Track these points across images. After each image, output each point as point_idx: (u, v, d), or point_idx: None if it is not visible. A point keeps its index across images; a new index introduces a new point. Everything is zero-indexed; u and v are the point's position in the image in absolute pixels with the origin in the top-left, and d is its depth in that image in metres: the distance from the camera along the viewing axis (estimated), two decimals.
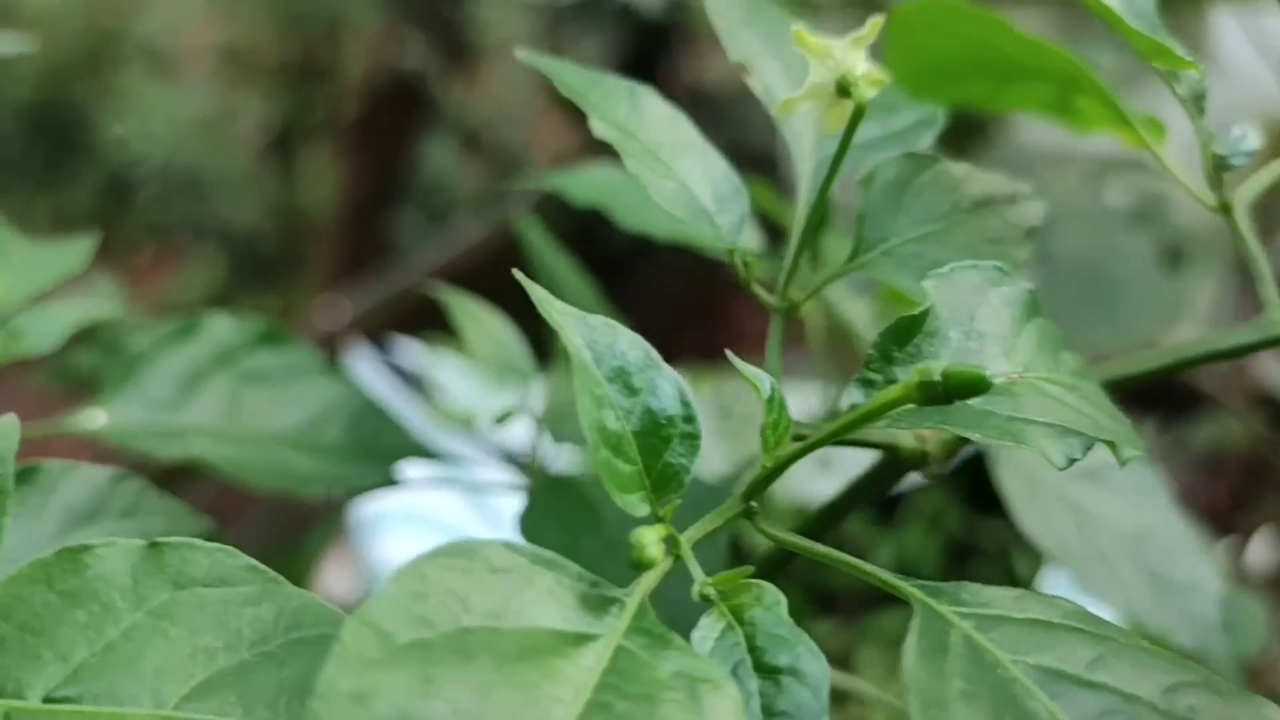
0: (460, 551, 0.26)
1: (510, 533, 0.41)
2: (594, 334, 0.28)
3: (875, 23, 0.34)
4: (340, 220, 1.41)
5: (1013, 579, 0.71)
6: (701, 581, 0.28)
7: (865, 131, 0.38)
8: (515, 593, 0.26)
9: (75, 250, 0.48)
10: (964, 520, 0.89)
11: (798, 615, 0.27)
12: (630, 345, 0.29)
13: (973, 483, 0.92)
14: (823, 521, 0.38)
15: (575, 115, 0.35)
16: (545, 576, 0.26)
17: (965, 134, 0.96)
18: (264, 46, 1.49)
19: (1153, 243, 0.78)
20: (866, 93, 0.34)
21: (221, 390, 0.47)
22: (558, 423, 0.47)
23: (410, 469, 0.48)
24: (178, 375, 0.47)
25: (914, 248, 0.35)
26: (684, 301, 1.19)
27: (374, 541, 0.87)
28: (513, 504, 0.41)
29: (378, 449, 0.48)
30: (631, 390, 0.28)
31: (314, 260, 1.43)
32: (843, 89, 0.34)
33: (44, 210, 1.37)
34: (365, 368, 1.00)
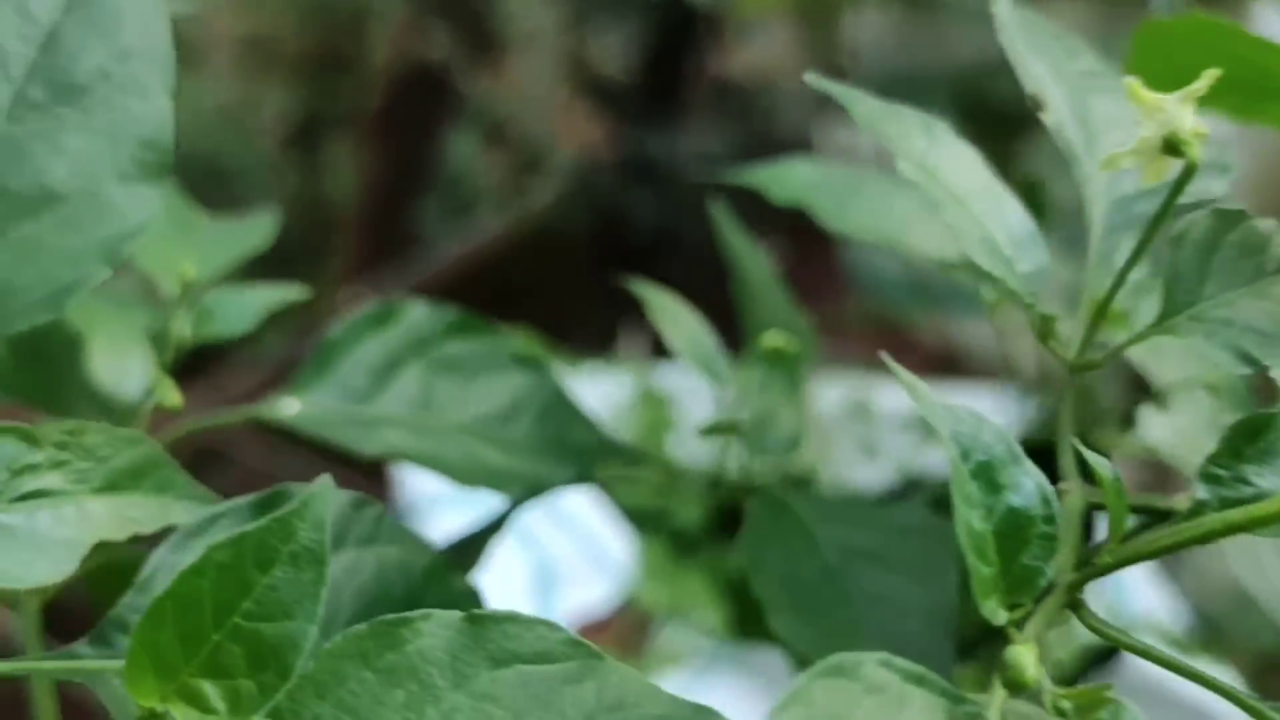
0: (842, 672, 0.24)
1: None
2: (961, 425, 0.27)
3: (1209, 74, 0.32)
4: (363, 211, 1.39)
5: None
6: (1052, 693, 0.27)
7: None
8: (893, 714, 0.24)
9: (258, 227, 0.46)
10: None
11: None
12: (995, 438, 0.27)
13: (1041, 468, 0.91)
14: None
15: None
16: (916, 695, 0.25)
17: (1011, 130, 0.95)
18: (287, 36, 1.46)
19: None
20: (1198, 152, 0.32)
21: (415, 379, 0.45)
22: (758, 433, 0.45)
23: None
24: (372, 363, 0.45)
25: (1222, 312, 0.33)
26: (710, 294, 1.18)
27: (425, 524, 0.86)
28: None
29: (567, 445, 0.46)
30: (994, 488, 0.27)
31: (336, 251, 1.40)
32: (1170, 146, 0.32)
33: None
34: None
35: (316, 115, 1.45)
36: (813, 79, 0.34)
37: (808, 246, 1.15)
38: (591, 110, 1.27)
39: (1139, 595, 0.94)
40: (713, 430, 0.44)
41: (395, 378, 0.45)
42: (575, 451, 0.46)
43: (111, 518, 0.34)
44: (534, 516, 0.85)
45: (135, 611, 0.33)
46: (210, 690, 0.26)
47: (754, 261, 0.50)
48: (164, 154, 0.35)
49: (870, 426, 0.84)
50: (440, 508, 0.91)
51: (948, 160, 0.34)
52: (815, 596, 0.40)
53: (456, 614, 0.27)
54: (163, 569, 0.33)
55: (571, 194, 1.23)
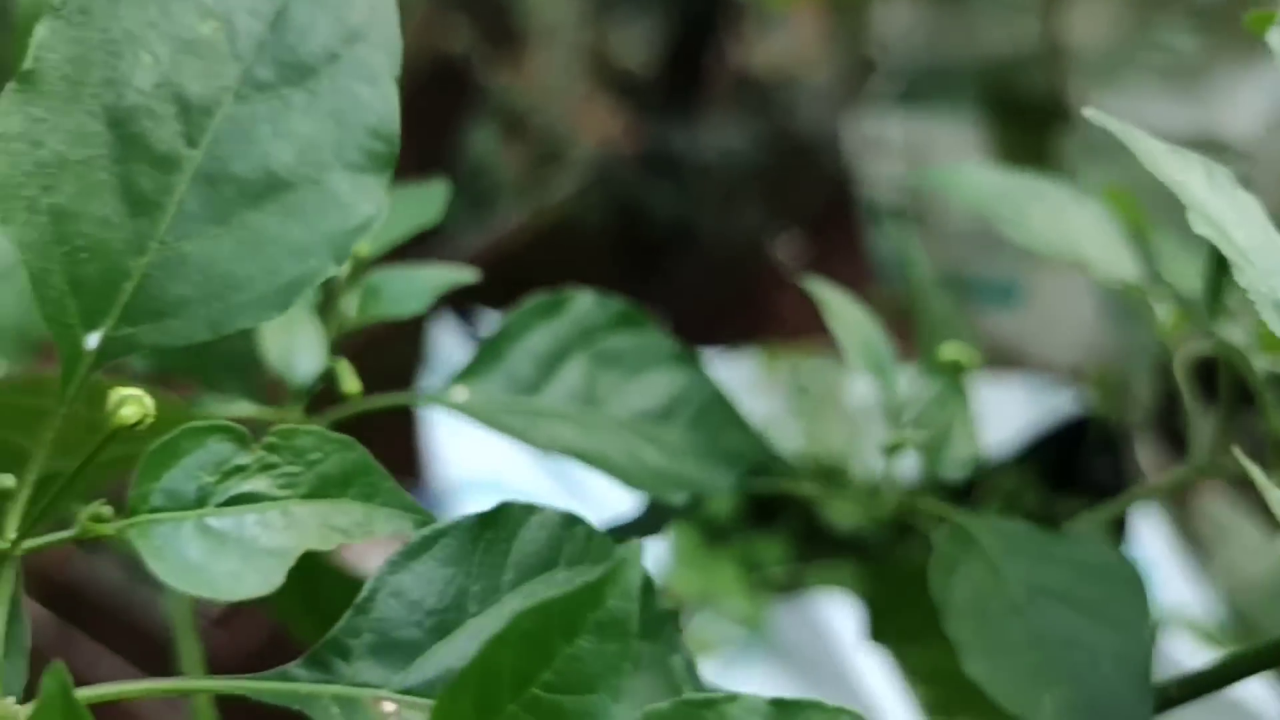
0: None
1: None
2: None
3: None
4: None
5: None
6: None
7: None
8: None
9: (430, 198, 0.44)
10: (1042, 498, 0.88)
11: None
12: None
13: (1052, 460, 0.91)
14: None
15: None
16: None
17: (1047, 118, 0.94)
18: None
19: None
20: None
21: (579, 371, 0.43)
22: (935, 450, 0.44)
23: None
24: (539, 353, 0.43)
25: None
26: (726, 287, 1.17)
27: (456, 510, 0.85)
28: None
29: (723, 450, 0.45)
30: None
31: None
32: None
33: None
34: (449, 340, 0.97)
35: None
36: (1091, 113, 0.32)
37: (832, 236, 1.14)
38: (612, 104, 1.26)
39: (1171, 589, 0.94)
40: (896, 446, 0.43)
41: (560, 369, 0.43)
42: (732, 456, 0.45)
43: (318, 526, 0.32)
44: (561, 496, 0.84)
45: (352, 634, 0.31)
46: None
47: (923, 268, 0.48)
48: (391, 144, 0.32)
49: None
50: (472, 494, 0.90)
51: (1231, 211, 0.32)
52: (1004, 636, 0.39)
53: (763, 699, 0.25)
54: (383, 589, 0.32)
55: (591, 187, 1.22)
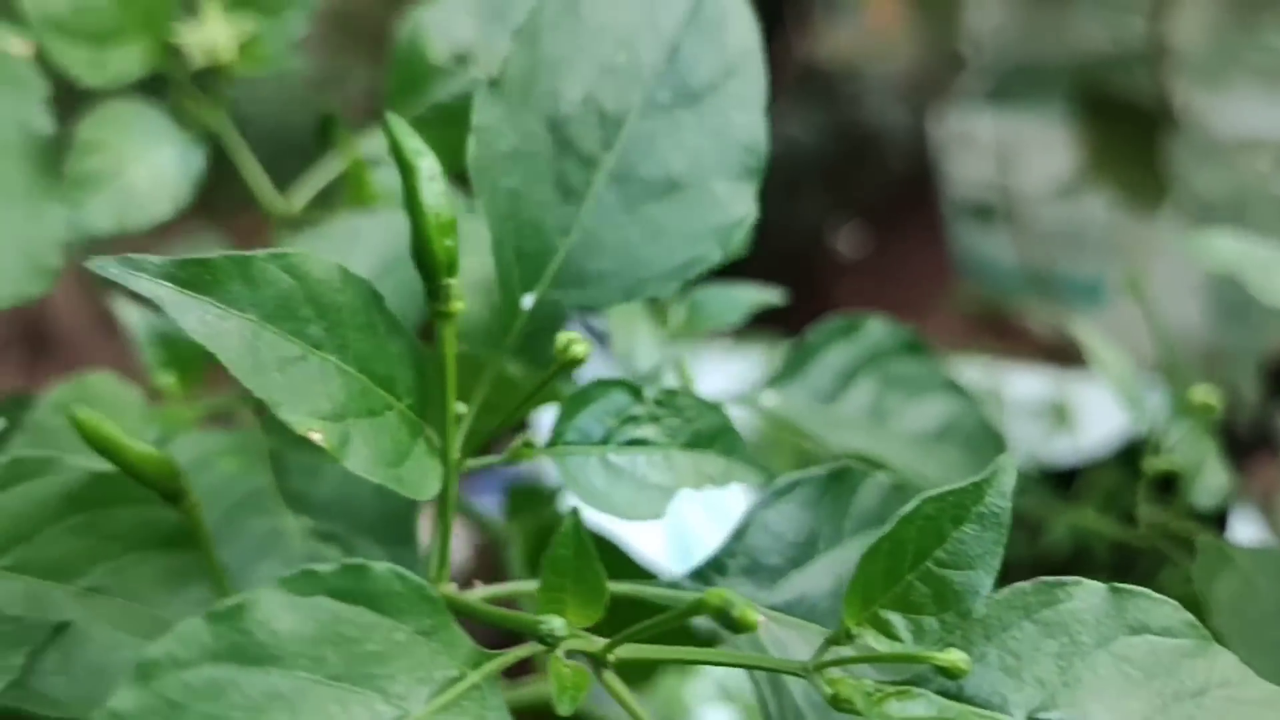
0: None
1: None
2: None
3: None
4: None
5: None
6: None
7: None
8: None
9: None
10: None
11: None
12: None
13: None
14: None
15: None
16: None
17: (1155, 120, 0.94)
18: (374, 11, 1.50)
19: None
20: None
21: (868, 390, 0.49)
22: (1189, 483, 0.48)
23: None
24: (836, 370, 0.49)
25: None
26: (787, 277, 1.19)
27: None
28: None
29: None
30: None
31: None
32: None
33: None
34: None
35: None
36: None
37: (906, 230, 1.14)
38: None
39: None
40: (1159, 474, 0.47)
41: (853, 385, 0.49)
42: None
43: (691, 471, 0.38)
44: None
45: (729, 556, 0.37)
46: (897, 621, 0.30)
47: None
48: (759, 160, 0.39)
49: (998, 414, 0.84)
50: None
51: None
52: (1262, 636, 0.43)
53: (1102, 585, 0.30)
54: (754, 522, 0.37)
55: None
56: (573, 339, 0.36)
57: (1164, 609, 0.31)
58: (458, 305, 0.34)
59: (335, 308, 0.32)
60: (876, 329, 0.49)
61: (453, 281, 0.34)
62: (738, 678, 0.66)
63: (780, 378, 0.48)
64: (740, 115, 0.39)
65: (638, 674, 0.55)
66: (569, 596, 0.30)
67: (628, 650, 0.31)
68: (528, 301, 0.37)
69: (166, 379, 0.45)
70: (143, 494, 0.38)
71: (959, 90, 1.02)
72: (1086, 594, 0.31)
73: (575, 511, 0.30)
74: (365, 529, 0.42)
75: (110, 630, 0.36)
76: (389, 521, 0.42)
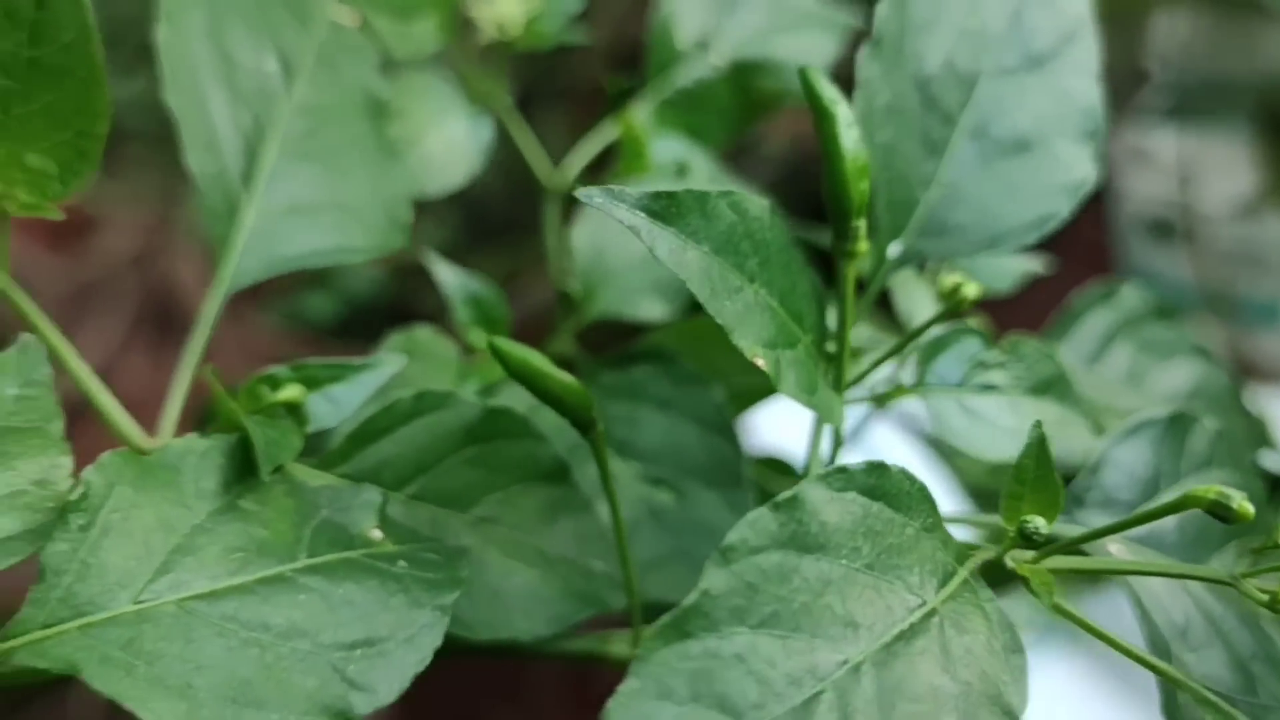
0: None
1: None
2: None
3: None
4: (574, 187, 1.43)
5: None
6: None
7: None
8: None
9: None
10: None
11: None
12: None
13: None
14: None
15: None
16: None
17: None
18: None
19: None
20: None
21: (1125, 354, 0.51)
22: None
23: None
24: (1097, 333, 0.51)
25: None
26: None
27: None
28: None
29: (1232, 435, 0.52)
30: None
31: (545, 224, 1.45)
32: None
33: None
34: None
35: (534, 89, 1.50)
36: None
37: (1071, 246, 1.16)
38: (799, 108, 1.28)
39: None
40: None
41: (1111, 348, 0.51)
42: (1243, 442, 0.52)
43: (1033, 415, 0.40)
44: None
45: (1084, 490, 0.39)
46: None
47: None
48: (1097, 124, 0.41)
49: None
50: None
51: None
52: None
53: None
54: (1108, 460, 0.40)
55: (781, 182, 1.26)
56: (961, 280, 0.38)
57: None
58: (862, 246, 0.36)
59: (765, 244, 0.34)
60: (1130, 295, 0.52)
61: (860, 223, 0.36)
62: None
63: (1049, 340, 0.50)
64: (1078, 80, 0.42)
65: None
66: (1027, 503, 0.32)
67: (1057, 562, 0.33)
68: (894, 250, 0.39)
69: (478, 336, 0.47)
70: (525, 429, 0.40)
71: (1139, 105, 1.02)
72: None
73: (1038, 424, 0.32)
74: (694, 473, 0.44)
75: (502, 557, 0.38)
76: (718, 467, 0.44)
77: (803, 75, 0.36)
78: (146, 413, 0.38)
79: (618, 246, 0.50)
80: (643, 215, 0.32)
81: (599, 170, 0.55)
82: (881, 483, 0.29)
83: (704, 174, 0.53)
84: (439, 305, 0.49)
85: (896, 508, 0.29)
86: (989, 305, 0.47)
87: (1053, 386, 0.41)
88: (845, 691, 0.27)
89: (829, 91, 0.36)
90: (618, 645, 0.40)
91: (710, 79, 0.56)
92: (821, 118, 0.36)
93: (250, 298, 0.53)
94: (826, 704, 0.26)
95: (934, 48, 0.40)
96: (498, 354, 0.36)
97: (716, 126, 0.57)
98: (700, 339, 0.48)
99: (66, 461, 0.33)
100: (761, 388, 0.49)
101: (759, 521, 0.27)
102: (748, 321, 0.33)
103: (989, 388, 0.40)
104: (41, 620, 0.29)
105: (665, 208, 0.32)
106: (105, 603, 0.30)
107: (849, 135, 0.36)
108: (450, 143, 0.51)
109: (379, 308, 1.43)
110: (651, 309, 0.49)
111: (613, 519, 0.37)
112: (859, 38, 0.61)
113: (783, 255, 0.35)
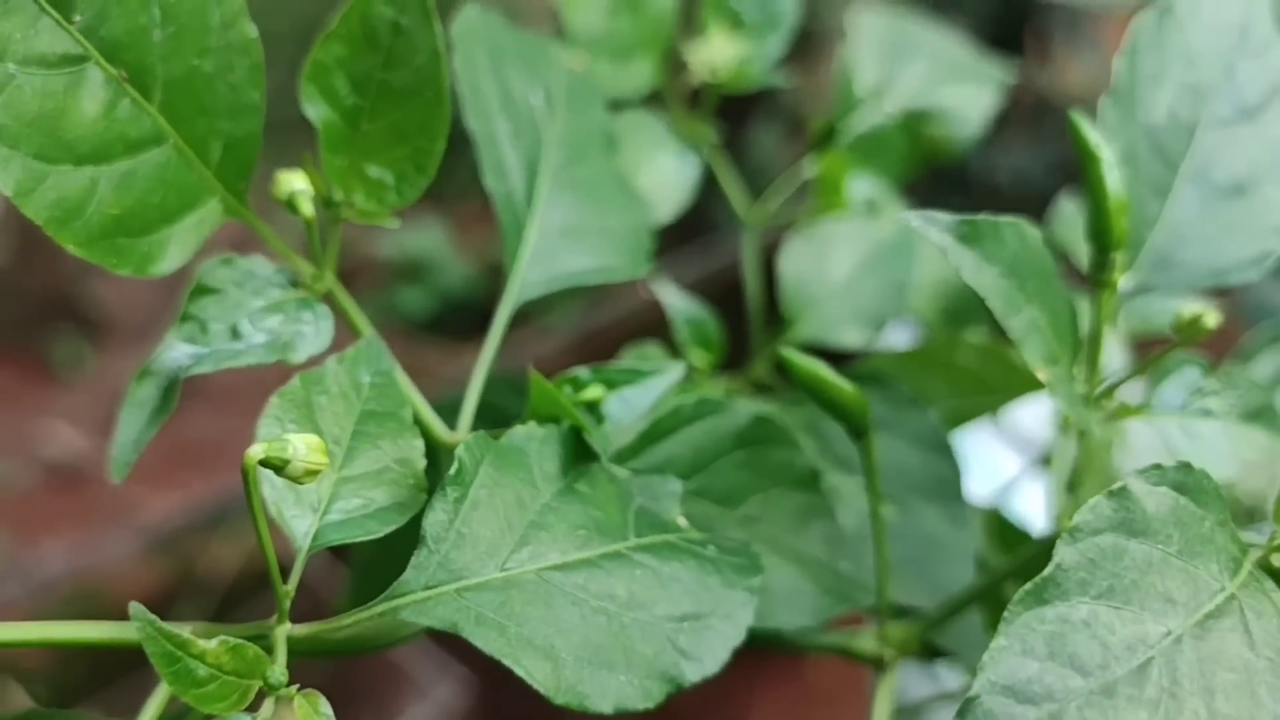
0: None
1: None
2: None
3: None
4: None
5: None
6: None
7: None
8: None
9: None
10: None
11: None
12: None
13: None
14: None
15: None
16: None
17: None
18: None
19: None
20: None
21: None
22: None
23: None
24: (1268, 374, 0.54)
25: None
26: None
27: None
28: None
29: None
30: None
31: None
32: None
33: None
34: None
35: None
36: None
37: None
38: None
39: None
40: None
41: None
42: None
43: (1244, 442, 0.43)
44: None
45: None
46: None
47: None
48: None
49: None
50: None
51: None
52: None
53: None
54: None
55: None
56: (1202, 311, 0.41)
57: None
58: (1118, 276, 0.40)
59: (1039, 270, 0.38)
60: None
61: (1118, 255, 0.40)
62: None
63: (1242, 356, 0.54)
64: None
65: None
66: None
67: None
68: (1126, 283, 0.43)
69: (698, 355, 0.51)
70: (786, 437, 0.43)
71: None
72: None
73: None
74: (914, 489, 0.48)
75: (766, 553, 0.41)
76: (938, 482, 0.47)
77: (1070, 121, 0.40)
78: None
79: (818, 277, 0.54)
80: (951, 237, 0.35)
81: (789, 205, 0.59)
82: (1187, 479, 0.33)
83: (892, 212, 0.57)
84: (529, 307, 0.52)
85: (1199, 503, 0.33)
86: None
87: (1262, 415, 0.44)
88: (1171, 659, 0.30)
89: (1094, 136, 0.39)
90: (864, 641, 0.43)
91: (886, 125, 0.60)
92: (1087, 160, 0.39)
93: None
94: (1158, 669, 0.30)
95: (1159, 100, 0.44)
96: (789, 364, 0.39)
97: (893, 169, 0.61)
98: (906, 368, 0.52)
99: (419, 444, 0.36)
100: (964, 414, 0.53)
101: (1097, 507, 0.31)
102: (1031, 338, 0.37)
103: (1207, 413, 0.43)
104: (423, 582, 0.33)
105: (969, 233, 0.36)
106: (478, 569, 0.33)
107: (1113, 176, 0.39)
108: (661, 178, 0.55)
109: (470, 305, 1.46)
110: (851, 336, 0.53)
111: (873, 523, 0.41)
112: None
113: (1052, 282, 0.39)
